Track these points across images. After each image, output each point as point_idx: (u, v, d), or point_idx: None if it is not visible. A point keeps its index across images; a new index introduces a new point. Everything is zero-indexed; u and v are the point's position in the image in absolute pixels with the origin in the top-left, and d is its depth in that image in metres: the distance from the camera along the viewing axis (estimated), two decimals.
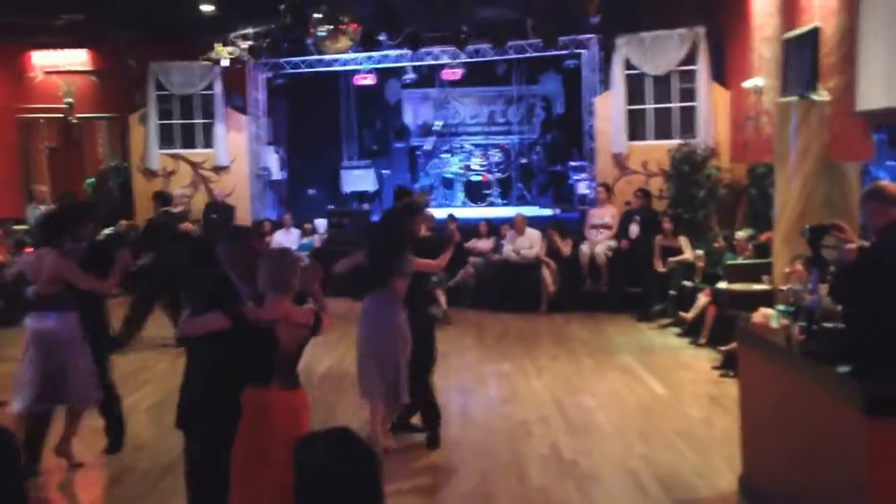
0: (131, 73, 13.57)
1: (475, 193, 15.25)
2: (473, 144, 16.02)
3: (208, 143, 13.88)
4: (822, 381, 4.14)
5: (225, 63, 12.98)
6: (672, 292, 10.15)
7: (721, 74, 11.58)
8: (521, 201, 14.87)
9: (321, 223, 13.51)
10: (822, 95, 7.83)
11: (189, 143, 13.91)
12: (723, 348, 8.11)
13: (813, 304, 4.54)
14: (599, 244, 11.34)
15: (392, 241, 5.78)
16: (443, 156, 15.82)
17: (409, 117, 16.83)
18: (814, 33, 7.94)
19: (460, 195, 15.36)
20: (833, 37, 7.74)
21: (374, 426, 5.81)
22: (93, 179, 14.08)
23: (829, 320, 4.47)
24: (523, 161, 15.70)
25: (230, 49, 12.89)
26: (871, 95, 7.13)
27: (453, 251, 6.25)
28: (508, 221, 11.70)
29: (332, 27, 11.64)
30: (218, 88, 13.72)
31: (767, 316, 7.22)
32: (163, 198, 10.50)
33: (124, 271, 5.92)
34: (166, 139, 13.87)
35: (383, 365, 5.69)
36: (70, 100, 14.22)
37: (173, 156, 13.87)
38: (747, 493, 5.04)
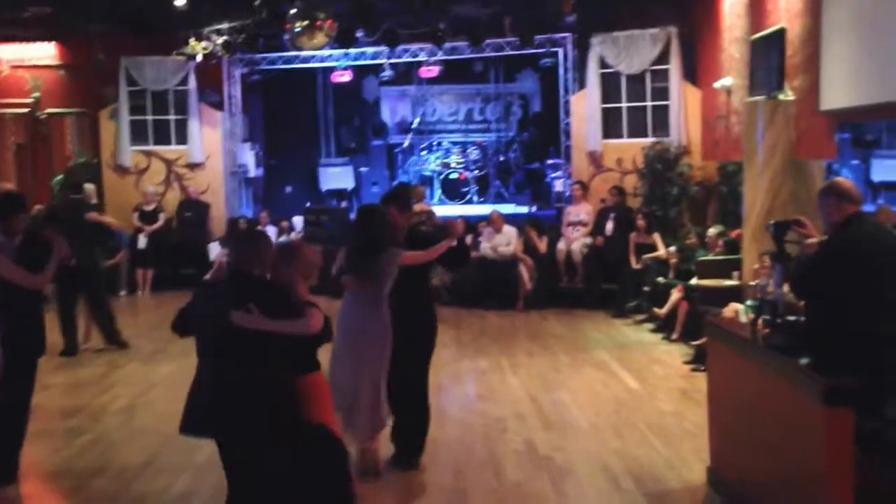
0: (101, 68, 13.48)
1: (453, 191, 15.39)
2: (451, 142, 16.15)
3: (182, 140, 13.84)
4: (784, 374, 4.32)
5: (199, 58, 12.92)
6: (646, 289, 10.35)
7: (693, 74, 11.83)
8: (499, 199, 15.03)
9: (298, 221, 13.58)
10: (787, 95, 8.05)
11: (162, 140, 13.87)
12: (694, 343, 8.32)
13: (776, 298, 4.73)
14: (575, 241, 11.52)
15: (367, 236, 5.42)
16: (421, 153, 15.93)
17: (387, 115, 16.92)
18: (780, 34, 8.15)
19: (438, 193, 15.48)
20: (798, 38, 7.96)
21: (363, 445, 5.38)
22: (61, 177, 14.02)
23: (792, 314, 4.67)
24: (501, 159, 15.86)
25: (204, 44, 12.82)
26: (834, 95, 7.36)
27: (458, 247, 5.78)
28: (485, 219, 11.85)
29: (307, 23, 11.69)
30: (192, 84, 13.68)
31: (737, 311, 7.49)
32: (74, 187, 9.87)
33: (63, 263, 5.65)
34: (138, 135, 13.82)
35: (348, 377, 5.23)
36: (37, 94, 14.10)
37: (146, 152, 13.83)
38: (715, 484, 5.23)
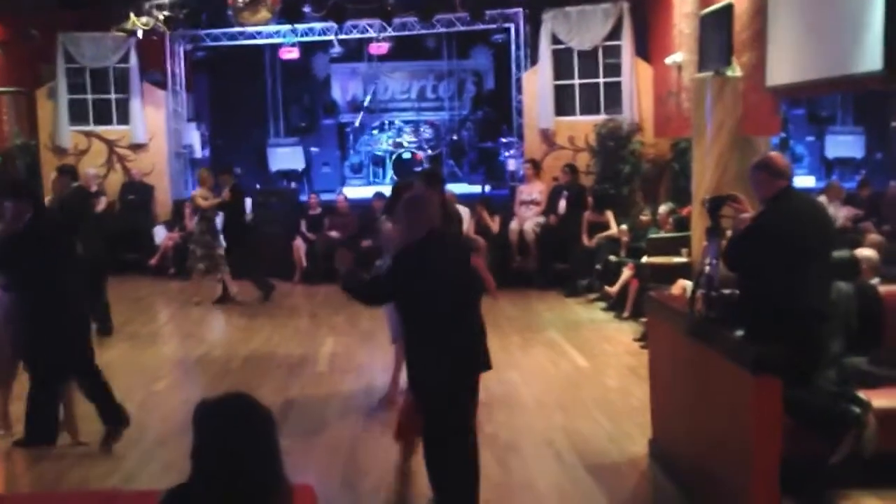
0: (34, 44, 13.23)
1: (405, 171, 15.43)
2: (404, 121, 16.16)
3: (124, 120, 13.71)
4: (717, 346, 4.52)
5: (140, 34, 12.77)
6: (598, 267, 10.56)
7: (645, 50, 12.03)
8: (453, 178, 15.09)
9: (247, 203, 13.55)
10: (735, 71, 8.26)
11: (103, 120, 13.73)
12: (643, 320, 8.54)
13: (712, 272, 4.92)
14: (528, 221, 11.70)
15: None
16: (373, 132, 15.94)
17: (337, 93, 16.86)
18: (728, 10, 8.34)
19: (390, 172, 15.53)
20: (745, 13, 8.16)
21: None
22: None
23: (728, 287, 4.87)
24: (454, 138, 15.93)
25: (145, 19, 12.62)
26: (779, 71, 7.60)
27: None
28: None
29: None
30: (133, 61, 13.54)
31: (685, 287, 7.69)
32: (72, 172, 9.82)
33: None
34: (78, 115, 13.65)
35: None
36: None
37: (86, 133, 13.68)
38: (656, 456, 5.45)
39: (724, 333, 4.49)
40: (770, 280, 4.39)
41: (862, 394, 4.48)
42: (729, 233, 4.82)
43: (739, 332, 4.42)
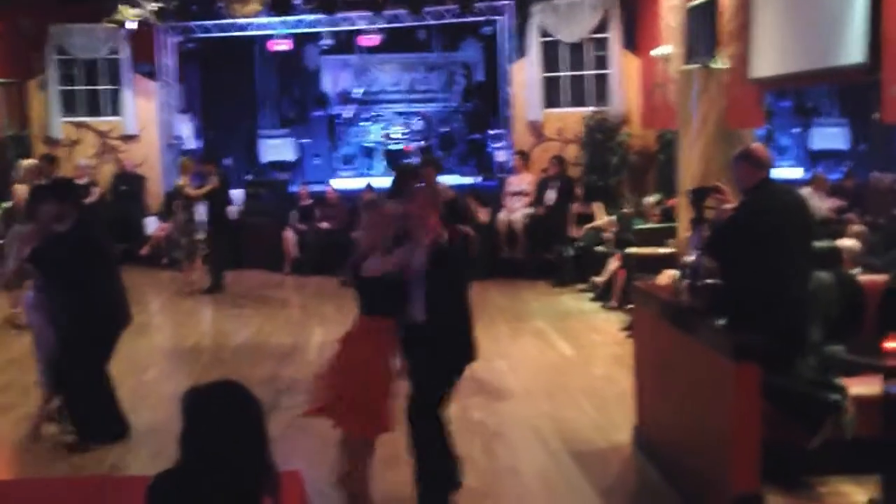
0: (27, 35, 13.19)
1: (395, 162, 15.43)
2: (394, 112, 16.17)
3: (115, 111, 13.65)
4: (700, 334, 4.56)
5: (130, 26, 12.68)
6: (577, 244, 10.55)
7: (633, 42, 12.04)
8: (443, 170, 15.12)
9: (238, 194, 13.55)
10: (720, 63, 8.28)
11: (95, 111, 13.66)
12: (630, 310, 8.58)
13: (696, 262, 4.96)
14: (517, 212, 11.72)
15: None
16: (363, 124, 15.94)
17: (328, 85, 16.82)
18: (713, 3, 8.35)
19: (381, 164, 15.54)
20: (730, 6, 8.18)
21: None
22: None
23: (712, 277, 4.90)
24: (444, 129, 15.94)
25: (135, 11, 12.57)
26: (763, 63, 7.62)
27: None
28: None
29: None
30: (124, 53, 13.47)
31: (671, 277, 7.74)
32: (55, 161, 9.92)
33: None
34: (69, 106, 13.58)
35: None
36: None
37: (77, 124, 13.60)
38: (639, 444, 5.49)
39: (705, 322, 4.53)
40: (751, 269, 4.43)
41: (841, 381, 4.53)
42: (712, 223, 4.86)
43: (722, 321, 4.47)
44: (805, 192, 11.22)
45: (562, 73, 12.43)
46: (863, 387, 4.41)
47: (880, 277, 5.38)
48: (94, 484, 4.23)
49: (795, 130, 15.12)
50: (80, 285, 5.48)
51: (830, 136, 14.95)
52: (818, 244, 5.64)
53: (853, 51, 6.50)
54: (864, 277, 5.43)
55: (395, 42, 15.28)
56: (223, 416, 2.67)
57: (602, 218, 10.83)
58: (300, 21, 13.71)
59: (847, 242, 6.11)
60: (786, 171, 14.16)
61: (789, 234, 4.47)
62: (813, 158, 14.95)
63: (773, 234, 4.42)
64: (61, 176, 10.27)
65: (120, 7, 12.49)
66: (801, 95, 15.09)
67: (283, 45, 14.52)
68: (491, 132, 14.53)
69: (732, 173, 4.68)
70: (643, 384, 5.55)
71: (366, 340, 4.51)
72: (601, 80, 12.22)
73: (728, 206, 4.75)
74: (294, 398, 6.79)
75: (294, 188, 13.78)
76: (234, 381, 2.78)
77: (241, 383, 2.77)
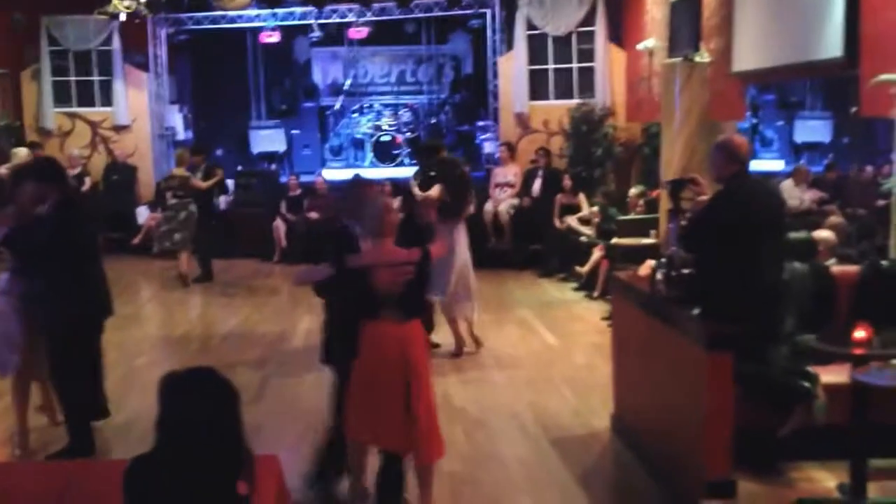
0: (20, 27, 13.13)
1: (384, 153, 15.43)
2: (383, 104, 16.14)
3: (107, 102, 13.61)
4: (675, 323, 4.59)
5: (122, 17, 12.61)
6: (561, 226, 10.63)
7: (618, 36, 12.05)
8: None
9: (229, 184, 13.49)
10: (703, 57, 8.30)
11: (87, 102, 13.62)
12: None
13: (673, 253, 4.98)
14: (503, 202, 11.72)
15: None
16: (352, 115, 15.91)
17: (318, 76, 16.79)
18: None
19: (370, 155, 15.52)
20: (714, 1, 8.21)
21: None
22: None
23: (687, 267, 4.92)
24: (432, 121, 15.93)
25: (127, 3, 12.47)
26: (745, 57, 7.66)
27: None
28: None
29: None
30: (116, 44, 13.43)
31: (651, 267, 7.78)
32: (42, 149, 9.75)
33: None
34: (62, 97, 13.53)
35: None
36: None
37: (70, 114, 13.57)
38: (617, 430, 5.53)
39: (680, 311, 4.55)
40: (724, 260, 4.45)
41: (812, 370, 4.56)
42: (688, 214, 4.87)
43: (696, 310, 4.49)
44: (787, 183, 11.33)
45: (548, 66, 12.42)
46: (834, 375, 4.44)
47: (853, 268, 5.41)
48: (74, 468, 4.22)
49: (779, 123, 15.16)
50: (58, 271, 5.10)
51: (814, 129, 15.02)
52: (795, 235, 5.69)
53: (832, 45, 6.54)
54: (837, 268, 5.46)
55: (385, 35, 15.24)
56: (198, 402, 2.68)
57: (585, 209, 10.84)
58: (290, 14, 13.72)
59: (823, 234, 6.13)
60: (770, 164, 14.23)
61: (762, 226, 4.49)
62: (796, 151, 15.01)
63: (745, 225, 4.44)
64: (44, 156, 10.17)
65: None
66: (785, 89, 15.14)
67: (273, 38, 14.46)
68: (479, 124, 14.52)
69: (710, 161, 4.71)
70: (621, 372, 5.58)
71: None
72: (586, 73, 12.22)
73: (702, 198, 4.77)
74: (280, 385, 6.83)
75: (284, 178, 13.76)
76: (208, 367, 2.79)
77: (216, 370, 2.78)
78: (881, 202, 8.97)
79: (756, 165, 13.48)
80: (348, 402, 4.37)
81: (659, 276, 5.02)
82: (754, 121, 14.78)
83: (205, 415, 2.66)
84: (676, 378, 4.58)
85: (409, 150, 15.38)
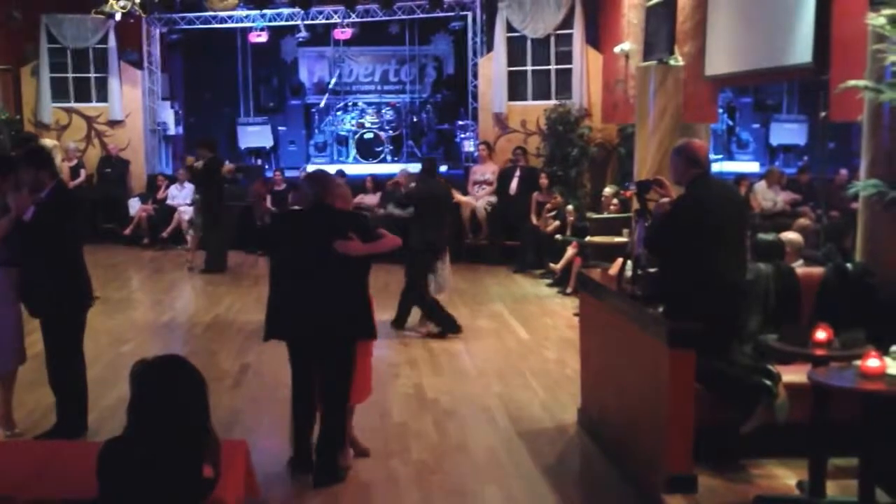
0: (16, 24, 12.96)
1: (367, 150, 15.25)
2: (367, 103, 15.99)
3: (103, 97, 13.54)
4: (638, 320, 4.44)
5: (118, 17, 12.59)
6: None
7: (596, 39, 11.89)
8: (412, 158, 14.93)
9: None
10: (677, 61, 8.15)
11: (83, 97, 13.55)
12: None
13: (639, 252, 4.83)
14: (480, 199, 11.56)
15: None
16: (337, 113, 15.74)
17: (304, 75, 16.67)
18: (672, 1, 8.23)
19: (353, 152, 15.34)
20: (688, 5, 8.08)
21: None
22: None
23: (653, 266, 4.77)
24: (414, 119, 15.80)
25: (123, 3, 12.50)
26: (717, 61, 7.51)
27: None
28: (394, 177, 11.76)
29: None
30: (112, 42, 13.37)
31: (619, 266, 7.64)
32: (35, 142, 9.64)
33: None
34: (59, 92, 13.46)
35: None
36: None
37: (67, 109, 13.49)
38: (583, 424, 5.38)
39: (644, 309, 4.41)
40: (685, 260, 4.30)
41: (775, 368, 4.41)
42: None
43: (660, 309, 4.34)
44: (760, 185, 11.20)
45: (527, 68, 12.25)
46: (795, 374, 4.29)
47: (817, 270, 5.26)
48: (50, 449, 4.07)
49: (756, 126, 15.03)
50: (56, 255, 4.99)
51: (789, 132, 14.84)
52: (763, 236, 5.54)
53: (802, 51, 6.42)
54: (802, 270, 5.31)
55: (369, 36, 15.12)
56: (166, 388, 2.76)
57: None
58: (278, 14, 13.63)
59: (790, 235, 5.99)
60: (745, 165, 14.07)
61: (724, 227, 4.34)
62: (772, 153, 14.87)
63: (708, 226, 4.29)
64: (31, 142, 9.97)
65: None
66: (762, 92, 15.00)
67: (262, 38, 14.40)
68: (459, 123, 14.38)
69: (670, 165, 4.55)
70: (587, 367, 5.43)
71: None
72: (564, 75, 12.04)
73: (665, 200, 4.61)
74: (258, 373, 6.66)
75: (269, 173, 13.60)
76: (177, 355, 2.89)
77: (185, 358, 2.85)
78: (854, 205, 8.83)
79: (731, 167, 13.39)
80: None
81: (625, 273, 4.89)
82: (730, 123, 14.66)
83: (172, 400, 2.74)
84: (640, 374, 4.43)
85: (391, 147, 15.20)
